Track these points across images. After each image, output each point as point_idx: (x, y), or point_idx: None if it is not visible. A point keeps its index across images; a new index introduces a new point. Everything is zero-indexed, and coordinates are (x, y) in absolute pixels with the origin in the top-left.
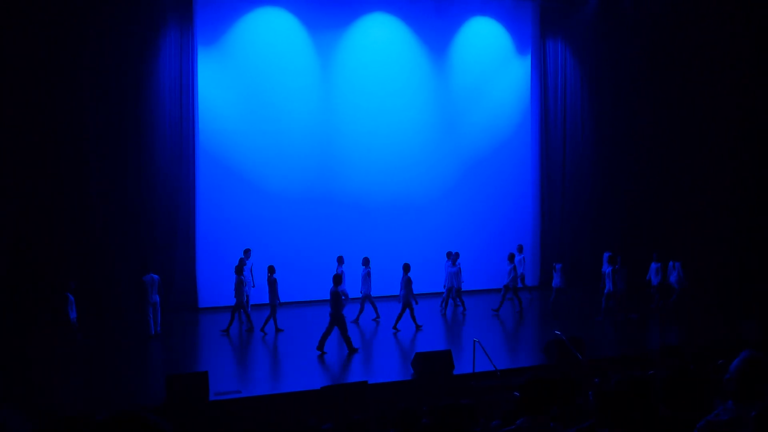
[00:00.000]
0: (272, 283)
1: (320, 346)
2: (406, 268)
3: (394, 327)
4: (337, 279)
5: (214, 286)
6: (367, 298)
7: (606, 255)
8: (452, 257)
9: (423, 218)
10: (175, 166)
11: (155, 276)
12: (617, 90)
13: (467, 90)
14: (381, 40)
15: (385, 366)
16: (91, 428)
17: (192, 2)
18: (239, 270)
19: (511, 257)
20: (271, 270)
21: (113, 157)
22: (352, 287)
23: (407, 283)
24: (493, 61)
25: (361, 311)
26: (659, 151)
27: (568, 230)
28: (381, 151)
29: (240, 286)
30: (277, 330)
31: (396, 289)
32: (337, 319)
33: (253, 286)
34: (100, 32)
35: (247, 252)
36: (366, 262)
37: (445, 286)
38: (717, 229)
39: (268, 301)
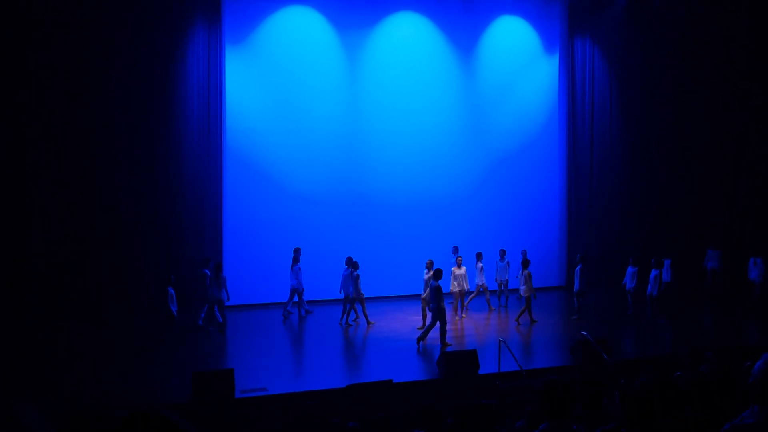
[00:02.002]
0: (356, 279)
1: (422, 338)
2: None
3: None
4: (438, 273)
5: (240, 284)
6: (348, 299)
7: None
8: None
9: (450, 217)
10: (202, 164)
11: (206, 271)
12: (646, 89)
13: (494, 89)
14: (408, 38)
15: (411, 365)
16: (112, 425)
17: (220, 1)
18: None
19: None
20: (355, 266)
21: (141, 156)
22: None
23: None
24: (520, 60)
25: (347, 312)
26: (689, 151)
27: (595, 230)
28: (408, 151)
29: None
30: (369, 323)
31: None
32: (438, 313)
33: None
34: (128, 31)
35: (297, 251)
36: (349, 262)
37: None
38: (750, 228)
39: (351, 296)
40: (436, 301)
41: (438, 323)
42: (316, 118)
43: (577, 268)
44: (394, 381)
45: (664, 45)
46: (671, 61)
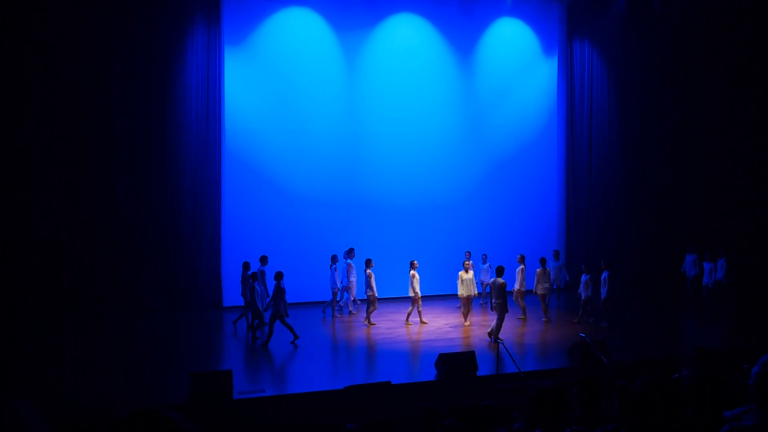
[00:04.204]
0: (413, 278)
1: (493, 336)
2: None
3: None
4: (500, 270)
5: (238, 285)
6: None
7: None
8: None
9: (448, 220)
10: (200, 165)
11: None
12: (644, 91)
13: (493, 91)
14: (407, 40)
15: (409, 366)
16: (112, 425)
17: (219, 1)
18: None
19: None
20: (413, 265)
21: (140, 156)
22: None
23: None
24: (519, 62)
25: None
26: (687, 152)
27: (593, 232)
28: (406, 152)
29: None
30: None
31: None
32: (501, 308)
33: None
34: (127, 31)
35: (350, 251)
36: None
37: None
38: (749, 228)
39: (407, 295)
40: (501, 297)
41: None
42: (314, 119)
43: (518, 268)
44: (392, 382)
45: (662, 47)
46: (670, 63)
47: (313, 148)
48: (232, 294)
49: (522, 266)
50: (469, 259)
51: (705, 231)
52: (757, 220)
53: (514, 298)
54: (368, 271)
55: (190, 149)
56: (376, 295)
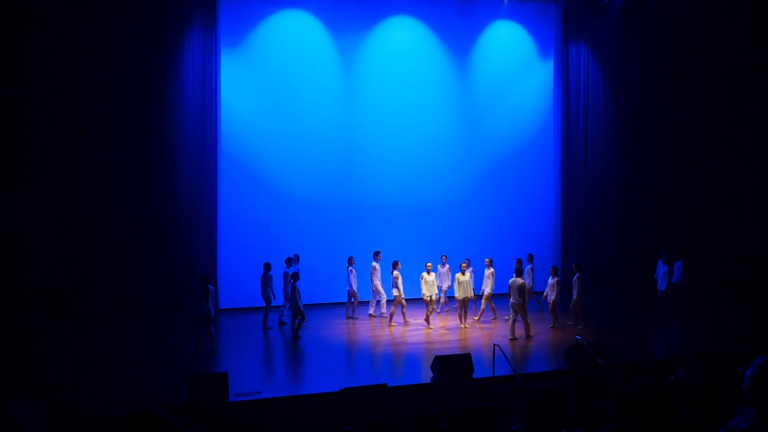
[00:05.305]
0: (422, 278)
1: (525, 334)
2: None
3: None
4: (518, 270)
5: (234, 288)
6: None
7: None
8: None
9: (444, 222)
10: (197, 167)
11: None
12: (640, 94)
13: (489, 94)
14: (403, 43)
15: (405, 369)
16: (109, 426)
17: (216, 3)
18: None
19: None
20: (427, 267)
21: (136, 158)
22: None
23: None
24: (515, 65)
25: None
26: (683, 156)
27: (590, 235)
28: (402, 155)
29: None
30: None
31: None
32: (520, 308)
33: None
34: (124, 33)
35: (377, 254)
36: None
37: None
38: (747, 232)
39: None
40: (520, 296)
41: (519, 317)
42: (311, 121)
43: (486, 271)
44: (388, 385)
45: (658, 50)
46: (666, 66)
47: (309, 151)
48: (229, 295)
49: (491, 269)
50: (445, 263)
51: (703, 233)
52: (755, 222)
53: (483, 300)
54: (395, 272)
55: (186, 151)
56: (403, 296)
